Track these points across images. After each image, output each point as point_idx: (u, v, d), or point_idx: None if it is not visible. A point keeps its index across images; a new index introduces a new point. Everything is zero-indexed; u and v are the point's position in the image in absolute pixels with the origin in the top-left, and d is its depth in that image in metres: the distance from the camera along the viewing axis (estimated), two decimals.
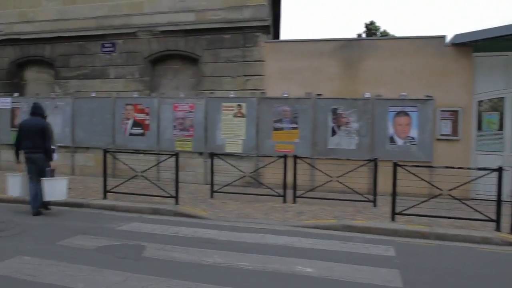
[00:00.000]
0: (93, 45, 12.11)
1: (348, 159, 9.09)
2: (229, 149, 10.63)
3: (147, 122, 11.34)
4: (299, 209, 8.15)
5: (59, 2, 12.42)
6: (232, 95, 10.66)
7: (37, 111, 7.71)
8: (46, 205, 7.67)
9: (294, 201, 8.64)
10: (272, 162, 8.83)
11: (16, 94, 12.97)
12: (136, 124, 11.45)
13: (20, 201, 8.52)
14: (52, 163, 7.68)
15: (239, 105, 10.57)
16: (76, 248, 5.31)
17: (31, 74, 13.44)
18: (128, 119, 11.54)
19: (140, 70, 11.67)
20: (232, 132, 10.64)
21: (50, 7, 12.54)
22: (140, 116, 11.41)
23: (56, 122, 12.21)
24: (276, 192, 8.75)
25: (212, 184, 8.99)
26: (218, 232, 6.34)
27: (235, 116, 10.61)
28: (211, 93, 10.92)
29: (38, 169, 7.42)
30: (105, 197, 8.51)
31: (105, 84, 12.04)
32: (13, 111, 12.94)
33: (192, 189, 10.10)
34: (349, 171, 8.47)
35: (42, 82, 13.23)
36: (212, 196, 8.98)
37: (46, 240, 5.65)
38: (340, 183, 8.45)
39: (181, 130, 11.03)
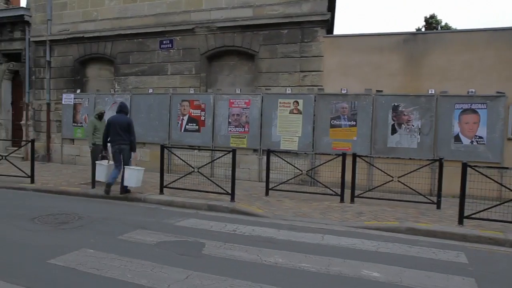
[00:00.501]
0: (151, 42, 12.33)
1: (409, 159, 8.62)
2: (284, 146, 10.43)
3: (202, 118, 11.38)
4: (358, 209, 7.81)
5: (120, 1, 12.74)
6: (289, 92, 10.45)
7: (123, 109, 8.80)
8: (123, 189, 8.55)
9: (352, 201, 8.32)
10: (331, 160, 8.53)
11: (78, 91, 13.48)
12: (191, 120, 11.53)
13: (82, 194, 8.80)
14: (134, 154, 8.80)
15: (296, 101, 10.34)
16: (137, 243, 5.33)
17: (93, 71, 13.91)
18: (184, 115, 11.64)
19: (196, 66, 11.73)
20: (288, 129, 10.43)
21: (112, 6, 12.89)
22: (196, 112, 11.47)
23: None
24: (333, 191, 8.46)
25: (267, 182, 8.84)
26: (276, 231, 6.16)
27: (291, 112, 10.39)
28: (268, 89, 10.77)
29: (124, 159, 8.52)
30: (161, 192, 8.59)
31: (162, 80, 12.22)
32: (75, 107, 13.47)
33: (246, 186, 10.01)
34: (412, 171, 8.04)
35: (103, 79, 13.66)
36: (267, 194, 8.83)
37: (108, 234, 5.72)
38: (402, 183, 8.04)
39: (236, 126, 10.97)
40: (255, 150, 10.82)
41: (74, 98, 13.52)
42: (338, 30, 39.50)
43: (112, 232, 5.82)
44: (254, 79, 11.16)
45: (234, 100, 10.99)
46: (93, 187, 9.11)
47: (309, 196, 8.77)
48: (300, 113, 10.31)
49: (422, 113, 9.48)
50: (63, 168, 12.89)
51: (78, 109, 13.44)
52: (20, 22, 14.66)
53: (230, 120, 11.04)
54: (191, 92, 11.57)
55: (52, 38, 13.96)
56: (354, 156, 8.30)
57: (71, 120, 13.57)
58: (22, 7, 15.17)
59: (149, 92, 12.18)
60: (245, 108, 10.86)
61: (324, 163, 8.73)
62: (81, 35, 13.37)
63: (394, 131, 9.70)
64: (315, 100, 10.20)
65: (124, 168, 8.42)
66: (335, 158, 8.48)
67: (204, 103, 11.35)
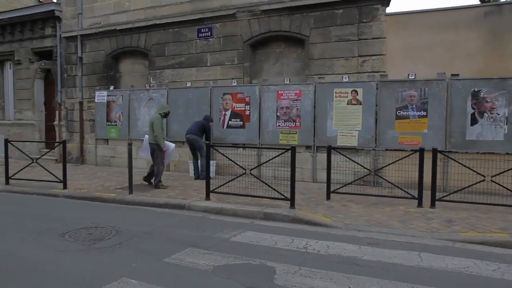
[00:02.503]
0: (188, 31, 11.27)
1: (495, 153, 7.23)
2: (342, 141, 9.15)
3: (247, 112, 10.24)
4: (444, 216, 6.48)
5: None
6: (345, 80, 9.14)
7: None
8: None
9: (433, 205, 6.98)
10: (406, 156, 7.21)
11: (111, 87, 12.62)
12: (234, 115, 10.40)
13: (118, 200, 7.84)
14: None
15: (354, 90, 9.03)
16: (189, 268, 4.21)
17: (126, 66, 13.03)
18: (226, 109, 10.54)
19: (239, 55, 10.59)
20: (346, 122, 9.14)
21: None
22: (240, 106, 10.33)
23: (151, 115, 11.61)
24: (410, 194, 7.15)
25: (328, 184, 7.61)
26: (357, 248, 4.94)
27: (349, 103, 9.09)
28: (321, 78, 9.50)
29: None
30: (208, 198, 7.50)
31: (201, 73, 11.16)
32: (108, 105, 12.61)
33: (300, 188, 8.79)
34: (508, 170, 6.64)
35: (137, 74, 12.74)
36: (328, 198, 7.61)
37: (152, 255, 4.63)
38: (496, 183, 6.66)
39: (286, 121, 9.77)
40: (308, 147, 9.59)
41: (107, 96, 12.66)
42: (394, 7, 36.97)
43: (157, 252, 4.73)
44: (304, 67, 9.91)
45: (282, 92, 9.78)
46: (131, 192, 8.13)
47: (377, 200, 7.49)
48: (360, 104, 8.99)
49: (510, 99, 7.99)
50: (97, 170, 12.05)
51: (111, 107, 12.57)
52: (51, 18, 13.97)
53: (278, 113, 9.85)
54: (233, 84, 10.44)
55: (83, 33, 13.17)
56: (435, 152, 6.95)
57: (105, 119, 12.72)
58: (53, 2, 14.49)
59: (187, 85, 11.14)
60: (295, 100, 9.63)
61: (397, 160, 7.38)
62: (113, 27, 12.49)
63: (474, 121, 8.25)
64: (377, 88, 8.86)
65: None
66: (411, 154, 7.17)
67: (249, 96, 10.20)
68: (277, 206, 6.93)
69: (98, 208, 7.39)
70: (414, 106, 8.64)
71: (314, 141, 9.44)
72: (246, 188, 7.57)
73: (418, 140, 8.56)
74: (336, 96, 9.20)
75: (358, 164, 7.73)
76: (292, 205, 6.79)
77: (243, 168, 7.34)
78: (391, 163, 7.48)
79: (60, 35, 13.74)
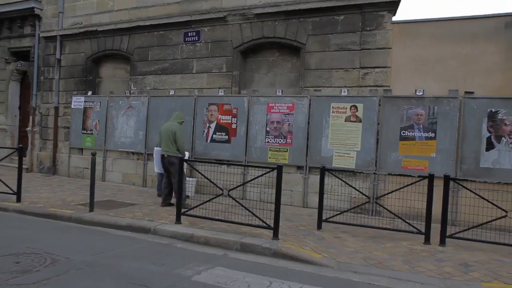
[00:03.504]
0: (174, 35, 10.29)
1: None
2: (338, 163, 8.08)
3: (233, 126, 9.18)
4: (457, 257, 5.39)
5: None
6: (344, 93, 8.13)
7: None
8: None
9: (443, 243, 5.89)
10: (415, 182, 6.15)
11: (89, 93, 11.56)
12: (220, 128, 9.34)
13: (74, 219, 6.68)
14: None
15: (353, 106, 8.01)
16: None
17: (107, 71, 12.01)
18: (210, 122, 9.48)
19: (228, 62, 9.58)
20: (343, 141, 8.08)
21: None
22: (226, 119, 9.28)
23: (130, 124, 10.58)
24: (414, 227, 6.07)
25: (320, 210, 6.51)
26: None
27: (347, 120, 8.06)
28: (317, 90, 8.48)
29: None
30: (178, 221, 6.36)
31: (186, 80, 10.13)
32: (85, 111, 11.53)
33: (288, 213, 7.69)
34: None
35: (118, 79, 11.72)
36: (319, 227, 6.50)
37: None
38: None
39: (276, 137, 8.71)
40: (299, 168, 8.50)
41: (84, 102, 11.59)
42: (402, 15, 36.29)
43: None
44: (299, 78, 8.92)
45: (274, 104, 8.75)
46: (91, 210, 6.99)
47: (377, 232, 6.41)
48: (360, 121, 7.96)
49: None
50: (67, 182, 10.89)
51: (88, 114, 11.49)
52: (30, 16, 12.98)
53: (268, 128, 8.79)
54: (220, 94, 9.41)
55: (63, 33, 12.17)
56: (448, 179, 5.89)
57: (81, 126, 11.62)
58: None
59: (170, 93, 10.09)
60: (287, 114, 8.60)
61: (401, 188, 6.31)
62: (94, 28, 11.50)
63: (490, 146, 7.22)
64: (379, 105, 7.85)
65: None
66: (418, 181, 6.11)
67: (236, 108, 9.15)
68: (258, 235, 5.82)
69: (47, 227, 6.23)
70: (421, 127, 7.61)
71: (306, 161, 8.37)
72: (226, 211, 6.42)
73: (425, 165, 7.52)
74: (333, 112, 8.17)
75: (356, 189, 6.64)
76: (276, 235, 5.67)
77: (221, 189, 6.22)
78: (394, 191, 6.41)
79: (39, 34, 12.75)
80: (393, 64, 7.99)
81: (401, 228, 6.30)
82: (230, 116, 9.22)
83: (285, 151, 8.59)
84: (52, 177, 11.93)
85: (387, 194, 6.58)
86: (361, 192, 6.57)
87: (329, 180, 6.93)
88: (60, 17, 12.31)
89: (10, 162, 13.55)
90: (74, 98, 11.79)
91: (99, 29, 11.41)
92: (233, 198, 6.14)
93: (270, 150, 8.74)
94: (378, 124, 7.82)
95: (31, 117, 13.01)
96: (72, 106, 11.81)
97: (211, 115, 9.47)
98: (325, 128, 8.22)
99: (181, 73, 10.20)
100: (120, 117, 10.86)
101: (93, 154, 7.22)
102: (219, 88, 9.55)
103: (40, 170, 12.59)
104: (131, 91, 10.92)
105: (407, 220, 6.25)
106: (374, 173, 7.70)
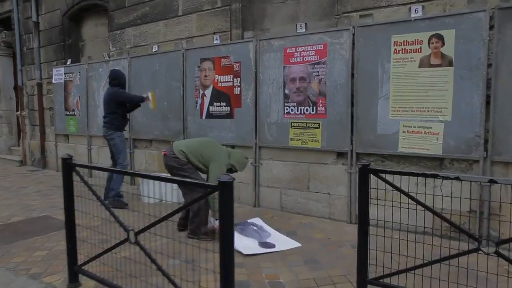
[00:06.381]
0: None
1: None
2: (408, 144, 4.40)
3: (236, 90, 5.81)
4: None
5: None
6: (417, 14, 4.31)
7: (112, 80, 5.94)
8: None
9: None
10: None
11: (68, 61, 8.75)
12: (218, 95, 6.03)
13: None
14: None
15: (436, 36, 4.19)
16: None
17: (89, 30, 9.11)
18: (205, 86, 6.19)
19: None
20: (418, 105, 4.35)
21: None
22: (225, 80, 5.93)
23: None
24: None
25: (362, 264, 3.00)
26: None
27: (424, 64, 4.28)
28: (365, 16, 4.77)
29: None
30: (74, 281, 3.24)
31: (171, 28, 6.87)
32: (66, 86, 8.79)
33: (319, 239, 4.27)
34: None
35: (101, 40, 8.78)
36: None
37: None
38: None
39: (300, 104, 5.21)
40: (340, 155, 4.95)
41: (64, 74, 8.84)
42: None
43: None
44: (334, 1, 5.22)
45: (294, 49, 5.20)
46: None
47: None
48: (449, 65, 4.15)
49: None
50: (47, 179, 8.38)
51: (69, 89, 8.74)
52: None
53: (287, 90, 5.31)
54: (216, 42, 6.01)
55: None
56: None
57: (63, 106, 8.94)
58: None
59: (153, 50, 6.89)
60: (316, 63, 5.02)
61: None
62: None
63: None
64: (490, 29, 3.97)
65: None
66: None
67: (239, 62, 5.74)
68: None
69: None
70: None
71: (352, 144, 4.79)
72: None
73: None
74: (396, 51, 4.44)
75: (442, 195, 3.07)
76: None
77: (126, 229, 2.85)
78: None
79: None
80: None
81: None
82: (231, 76, 5.85)
83: (315, 127, 5.07)
84: (39, 172, 9.49)
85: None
86: (458, 198, 2.96)
87: (392, 179, 3.37)
88: None
89: (9, 154, 11.50)
90: (54, 70, 9.08)
91: None
92: (141, 247, 2.77)
93: (292, 126, 5.27)
94: (489, 67, 3.97)
95: (18, 99, 10.68)
96: (53, 81, 9.14)
97: (205, 76, 6.16)
98: (383, 82, 4.54)
99: (164, 19, 6.92)
100: (102, 90, 7.93)
101: None
102: (214, 33, 6.17)
103: (32, 162, 10.25)
104: (110, 53, 7.92)
105: None
106: (483, 162, 3.97)
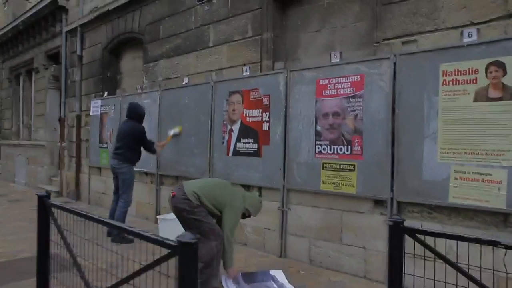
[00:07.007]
0: None
1: None
2: (462, 194, 3.62)
3: (265, 126, 5.28)
4: None
5: None
6: (470, 38, 3.64)
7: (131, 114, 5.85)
8: None
9: None
10: None
11: (105, 94, 8.70)
12: (245, 131, 5.53)
13: None
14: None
15: (495, 63, 3.48)
16: None
17: (127, 63, 9.07)
18: (233, 121, 5.73)
19: (255, 20, 5.72)
20: (473, 147, 3.60)
21: None
22: (254, 115, 5.44)
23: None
24: None
25: None
26: None
27: (480, 98, 3.56)
28: (408, 42, 4.14)
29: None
30: None
31: (202, 59, 6.54)
32: (101, 119, 8.70)
33: None
34: None
35: (138, 72, 8.65)
36: None
37: None
38: None
39: (333, 142, 4.57)
40: (378, 202, 4.21)
41: (101, 106, 8.79)
42: None
43: None
44: (372, 28, 4.64)
45: (327, 81, 4.64)
46: None
47: None
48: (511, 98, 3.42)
49: None
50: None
51: (104, 121, 8.64)
52: (57, 9, 10.77)
53: (319, 127, 4.70)
54: (245, 74, 5.59)
55: (82, 22, 9.60)
56: None
57: (98, 138, 8.83)
58: None
59: (184, 83, 6.59)
60: (351, 96, 4.41)
61: None
62: (106, 8, 8.64)
63: None
64: None
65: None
66: None
67: (268, 94, 5.25)
68: None
69: None
70: None
71: (392, 190, 4.05)
72: None
73: None
74: (446, 82, 3.75)
75: (507, 271, 2.31)
76: None
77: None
78: None
79: (65, 29, 10.44)
80: None
81: None
82: (260, 110, 5.35)
83: (350, 170, 4.40)
84: (71, 204, 9.26)
85: None
86: None
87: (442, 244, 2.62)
88: (80, 3, 9.80)
89: (49, 184, 11.58)
90: (92, 103, 9.06)
91: (110, 8, 8.50)
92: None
93: (323, 167, 4.63)
94: None
95: (59, 130, 10.79)
96: (91, 113, 9.11)
97: (233, 110, 5.71)
98: (430, 119, 3.83)
99: (195, 50, 6.62)
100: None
101: None
102: (244, 65, 5.74)
103: (67, 194, 10.18)
104: (143, 86, 7.74)
105: None
106: None
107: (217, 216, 3.82)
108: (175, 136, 6.35)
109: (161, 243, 1.66)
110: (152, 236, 1.73)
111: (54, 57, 11.58)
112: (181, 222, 3.81)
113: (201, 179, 4.37)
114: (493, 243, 1.88)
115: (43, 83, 12.02)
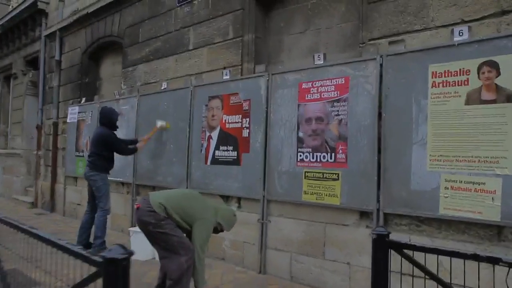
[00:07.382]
0: None
1: None
2: (452, 205, 3.33)
3: (245, 133, 4.97)
4: None
5: None
6: (461, 37, 3.39)
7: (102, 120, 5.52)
8: None
9: None
10: None
11: (83, 100, 8.34)
12: (225, 138, 5.22)
13: None
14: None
15: (488, 64, 3.20)
16: None
17: (107, 68, 8.74)
18: (212, 128, 5.41)
19: (236, 21, 5.44)
20: (464, 153, 3.32)
21: None
22: (233, 120, 5.13)
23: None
24: None
25: None
26: None
27: (472, 100, 3.30)
28: (395, 42, 3.88)
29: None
30: None
31: (182, 63, 6.24)
32: (78, 126, 8.32)
33: None
34: None
35: (117, 78, 8.32)
36: None
37: None
38: None
39: (316, 149, 4.27)
40: (363, 214, 3.90)
41: (78, 113, 8.42)
42: None
43: None
44: (358, 28, 4.38)
45: (310, 84, 4.36)
46: None
47: None
48: (508, 100, 3.14)
49: None
50: (53, 224, 7.74)
51: (81, 129, 8.26)
52: (37, 13, 10.45)
53: (301, 133, 4.41)
54: (225, 77, 5.30)
55: (61, 26, 9.27)
56: None
57: (74, 147, 8.44)
58: None
59: (162, 88, 6.28)
60: (335, 100, 4.13)
61: None
62: (85, 11, 8.33)
63: None
64: None
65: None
66: None
67: (249, 99, 4.96)
68: None
69: None
70: None
71: (378, 201, 3.75)
72: None
73: None
74: (435, 84, 3.48)
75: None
76: None
77: None
78: None
79: (43, 33, 10.11)
80: None
81: None
82: (240, 116, 5.05)
83: (333, 179, 4.09)
84: (45, 215, 8.91)
85: None
86: None
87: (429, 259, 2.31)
88: (60, 7, 9.49)
89: (24, 195, 11.09)
90: (69, 109, 8.69)
91: (90, 10, 8.19)
92: None
93: (305, 177, 4.31)
94: None
95: (36, 138, 10.37)
96: (68, 120, 8.73)
97: (213, 116, 5.40)
98: (418, 123, 3.55)
99: (175, 54, 6.32)
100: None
101: None
102: (224, 68, 5.45)
103: (42, 205, 9.72)
104: (122, 91, 7.41)
105: None
106: None
107: (186, 231, 3.47)
108: (162, 129, 5.98)
109: (86, 258, 1.32)
110: (76, 250, 1.39)
111: (33, 63, 11.21)
112: (147, 237, 3.45)
113: (169, 190, 4.01)
114: (494, 261, 1.57)
115: (21, 89, 11.64)
